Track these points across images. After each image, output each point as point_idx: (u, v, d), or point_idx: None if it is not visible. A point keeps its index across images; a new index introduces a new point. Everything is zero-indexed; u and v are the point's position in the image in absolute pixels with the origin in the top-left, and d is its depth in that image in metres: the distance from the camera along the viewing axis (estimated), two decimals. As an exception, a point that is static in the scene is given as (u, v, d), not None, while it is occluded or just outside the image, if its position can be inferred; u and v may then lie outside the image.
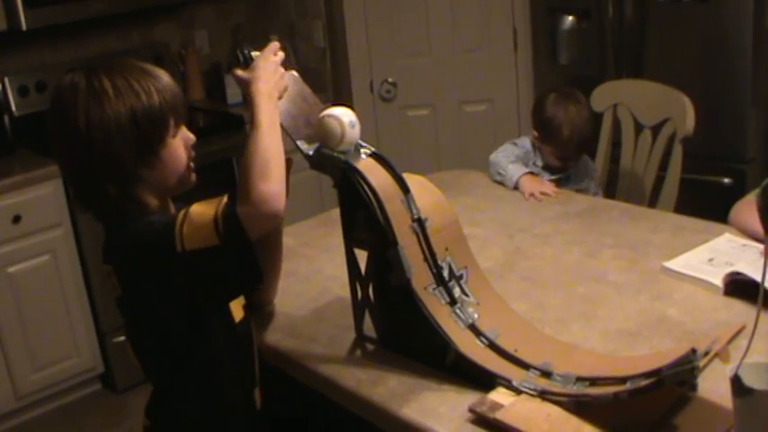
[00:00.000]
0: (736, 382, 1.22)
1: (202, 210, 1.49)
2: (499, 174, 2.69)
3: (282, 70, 1.69)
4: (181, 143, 1.61)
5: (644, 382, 1.38)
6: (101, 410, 3.51)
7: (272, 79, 1.64)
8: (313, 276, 2.15)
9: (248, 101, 1.62)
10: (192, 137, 1.65)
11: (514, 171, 2.65)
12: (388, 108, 4.09)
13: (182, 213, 1.50)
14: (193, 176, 1.66)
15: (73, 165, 1.59)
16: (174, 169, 1.61)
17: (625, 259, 2.06)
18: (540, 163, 2.75)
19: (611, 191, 2.93)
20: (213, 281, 1.52)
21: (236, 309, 1.69)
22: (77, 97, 1.52)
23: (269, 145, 1.51)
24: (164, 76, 1.59)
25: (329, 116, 1.66)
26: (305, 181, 3.94)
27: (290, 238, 2.42)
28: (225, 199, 1.49)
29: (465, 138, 4.04)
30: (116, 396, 3.57)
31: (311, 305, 1.97)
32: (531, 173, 2.67)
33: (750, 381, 1.21)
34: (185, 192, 1.66)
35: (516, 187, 2.63)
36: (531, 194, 2.57)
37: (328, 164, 1.68)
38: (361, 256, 1.73)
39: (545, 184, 2.61)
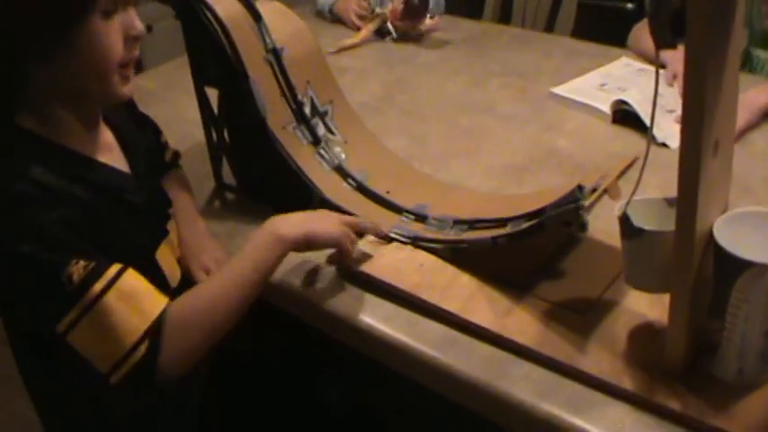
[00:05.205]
0: (625, 221, 1.06)
1: (123, 316, 1.07)
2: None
3: (349, 234, 1.27)
4: (116, 30, 1.12)
5: (525, 225, 1.22)
6: None
7: (319, 227, 1.24)
8: (173, 122, 1.93)
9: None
10: (139, 27, 1.15)
11: None
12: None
13: (99, 282, 1.05)
14: (127, 88, 1.17)
15: None
16: (92, 65, 1.10)
17: (514, 87, 1.89)
18: None
19: (505, 16, 2.73)
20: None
21: (167, 262, 1.31)
22: None
23: (228, 297, 1.17)
24: None
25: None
26: (169, 24, 3.67)
27: (152, 81, 2.21)
28: (155, 319, 1.09)
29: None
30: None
31: (170, 152, 1.77)
32: None
33: (639, 220, 1.05)
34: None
35: (333, 15, 2.42)
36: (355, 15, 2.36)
37: (166, -11, 1.45)
38: (214, 96, 1.53)
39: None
